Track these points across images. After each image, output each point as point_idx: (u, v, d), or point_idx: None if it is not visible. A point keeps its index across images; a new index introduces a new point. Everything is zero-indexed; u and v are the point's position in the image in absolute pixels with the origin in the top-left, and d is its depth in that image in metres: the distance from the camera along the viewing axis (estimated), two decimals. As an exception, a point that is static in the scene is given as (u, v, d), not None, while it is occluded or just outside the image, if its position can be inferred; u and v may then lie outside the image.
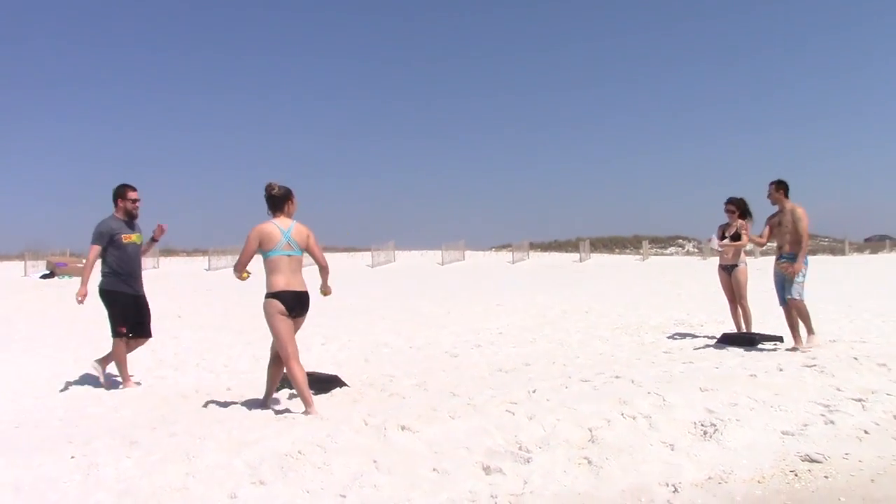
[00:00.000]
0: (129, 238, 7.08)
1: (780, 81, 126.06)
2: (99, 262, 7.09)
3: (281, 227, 5.51)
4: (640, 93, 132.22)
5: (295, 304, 5.51)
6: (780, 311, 8.38)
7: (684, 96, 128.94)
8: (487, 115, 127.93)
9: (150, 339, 7.56)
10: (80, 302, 7.03)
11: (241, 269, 5.65)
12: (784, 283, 8.12)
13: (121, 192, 7.15)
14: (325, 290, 6.09)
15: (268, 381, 5.88)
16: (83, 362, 8.80)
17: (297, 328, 5.64)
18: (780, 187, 8.20)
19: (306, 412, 5.33)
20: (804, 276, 8.04)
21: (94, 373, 7.30)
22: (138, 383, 7.37)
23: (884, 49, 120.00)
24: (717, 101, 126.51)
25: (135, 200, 7.17)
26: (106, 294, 7.05)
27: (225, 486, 3.77)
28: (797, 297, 7.96)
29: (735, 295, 9.30)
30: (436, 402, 5.25)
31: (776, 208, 8.32)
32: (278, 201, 5.60)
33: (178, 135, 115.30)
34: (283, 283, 5.48)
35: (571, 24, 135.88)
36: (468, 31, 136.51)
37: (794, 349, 7.87)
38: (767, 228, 8.43)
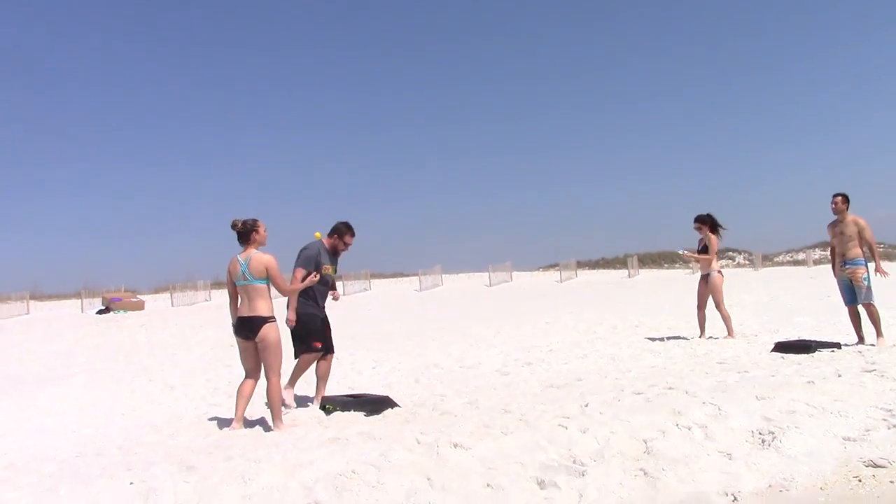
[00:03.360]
0: (328, 269, 7.25)
1: (830, 85, 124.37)
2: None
3: (240, 260, 6.08)
4: (683, 110, 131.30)
5: (240, 328, 6.14)
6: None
7: (730, 116, 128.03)
8: (531, 136, 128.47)
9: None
10: (291, 326, 7.08)
11: (231, 302, 6.25)
12: (853, 288, 8.87)
13: (342, 233, 7.33)
14: (289, 318, 6.85)
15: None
16: (139, 392, 8.98)
17: (260, 350, 6.08)
18: (846, 201, 9.00)
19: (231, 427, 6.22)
20: (868, 279, 8.80)
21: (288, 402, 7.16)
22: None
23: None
24: (763, 110, 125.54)
25: (348, 245, 7.39)
26: (301, 317, 7.14)
27: (281, 506, 3.81)
28: (870, 301, 8.76)
29: (704, 302, 10.53)
30: (487, 419, 5.23)
31: (832, 217, 9.12)
32: (241, 236, 6.15)
33: (213, 170, 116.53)
34: (236, 311, 6.18)
35: (625, 46, 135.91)
36: (514, 53, 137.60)
37: (857, 344, 8.75)
38: (833, 239, 9.21)
